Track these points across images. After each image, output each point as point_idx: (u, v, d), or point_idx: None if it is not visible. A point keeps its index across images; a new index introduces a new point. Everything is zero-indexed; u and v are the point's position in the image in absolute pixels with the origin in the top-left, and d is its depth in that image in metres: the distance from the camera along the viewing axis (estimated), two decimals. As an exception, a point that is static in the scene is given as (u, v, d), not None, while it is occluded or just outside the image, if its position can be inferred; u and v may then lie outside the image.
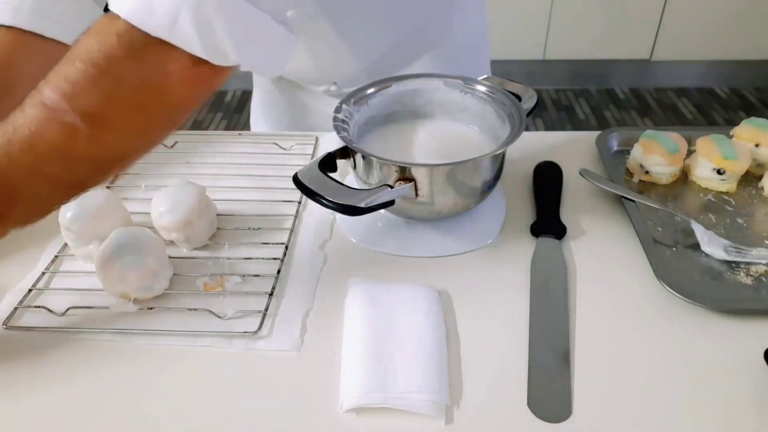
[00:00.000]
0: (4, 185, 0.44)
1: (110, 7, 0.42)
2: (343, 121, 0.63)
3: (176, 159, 0.78)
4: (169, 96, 0.44)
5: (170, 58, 0.42)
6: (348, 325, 0.53)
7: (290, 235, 0.65)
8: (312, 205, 0.68)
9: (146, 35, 0.41)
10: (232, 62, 0.44)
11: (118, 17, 0.41)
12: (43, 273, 0.61)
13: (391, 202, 0.57)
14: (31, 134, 0.42)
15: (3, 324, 0.55)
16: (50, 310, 0.56)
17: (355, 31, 0.75)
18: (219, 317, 0.55)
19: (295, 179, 0.57)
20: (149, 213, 0.62)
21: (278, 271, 0.60)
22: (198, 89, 0.45)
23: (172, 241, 0.63)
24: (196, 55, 0.43)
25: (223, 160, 0.78)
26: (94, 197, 0.61)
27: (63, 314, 0.56)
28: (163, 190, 0.62)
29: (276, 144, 0.80)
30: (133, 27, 0.41)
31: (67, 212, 0.60)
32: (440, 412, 0.46)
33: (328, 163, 0.60)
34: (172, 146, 0.80)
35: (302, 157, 0.78)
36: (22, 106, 0.43)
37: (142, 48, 0.42)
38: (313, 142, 0.81)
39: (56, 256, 0.63)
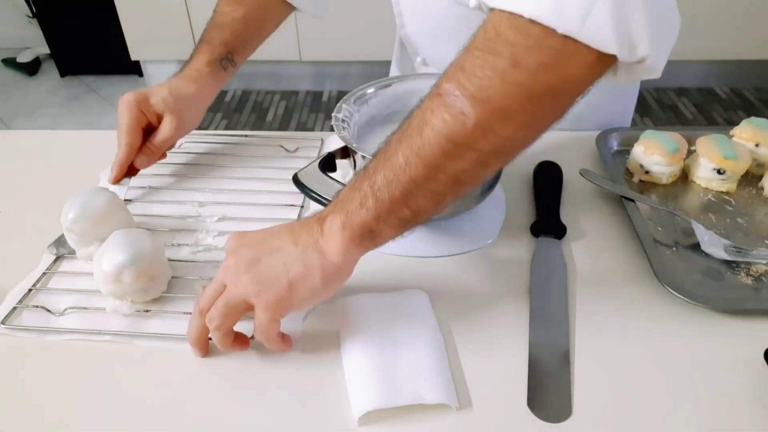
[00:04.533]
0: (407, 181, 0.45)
1: (509, 7, 0.40)
2: (343, 120, 0.63)
3: (181, 159, 0.78)
4: (564, 88, 0.42)
5: (573, 53, 0.40)
6: (344, 342, 0.52)
7: None
8: (314, 207, 0.68)
9: (552, 32, 0.39)
10: (640, 56, 0.41)
11: (518, 16, 0.40)
12: (44, 273, 0.60)
13: (391, 202, 0.57)
14: (423, 122, 0.43)
15: (2, 322, 0.55)
16: (48, 310, 0.56)
17: None
18: None
19: (295, 179, 0.57)
20: (151, 215, 0.62)
21: None
22: (591, 83, 0.43)
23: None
24: (604, 51, 0.40)
25: (228, 162, 0.78)
26: (97, 198, 0.61)
27: (61, 314, 0.56)
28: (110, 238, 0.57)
29: (281, 146, 0.80)
30: (537, 24, 0.39)
31: (69, 213, 0.59)
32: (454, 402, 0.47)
33: (328, 163, 0.60)
34: (179, 147, 0.80)
35: (307, 160, 0.78)
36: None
37: (548, 45, 0.40)
38: (319, 144, 0.81)
39: (58, 257, 0.63)
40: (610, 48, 0.40)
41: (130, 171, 0.71)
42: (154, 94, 0.71)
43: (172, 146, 0.75)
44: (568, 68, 0.41)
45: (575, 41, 0.39)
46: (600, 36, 0.40)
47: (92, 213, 0.59)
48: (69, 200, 0.61)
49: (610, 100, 0.85)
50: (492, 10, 0.42)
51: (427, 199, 0.46)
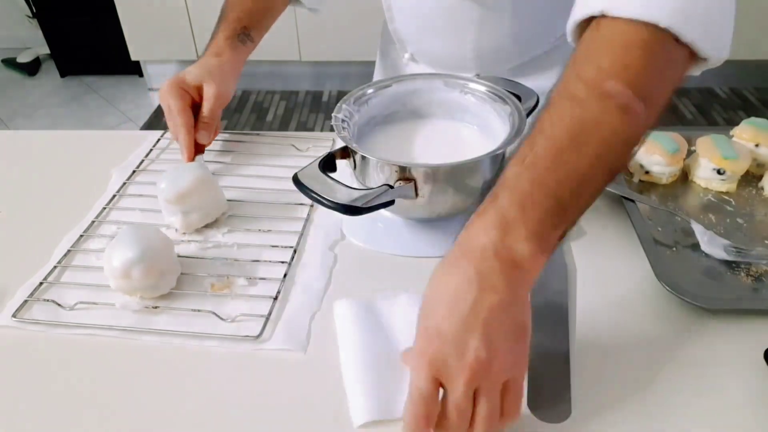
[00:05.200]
0: (576, 176, 0.43)
1: (641, 15, 0.43)
2: (343, 120, 0.63)
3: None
4: (683, 75, 0.47)
5: (687, 56, 0.46)
6: (343, 346, 0.52)
7: (299, 238, 0.65)
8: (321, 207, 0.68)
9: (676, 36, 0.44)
10: (723, 59, 0.47)
11: (653, 25, 0.43)
12: (55, 267, 0.61)
13: (391, 202, 0.57)
14: (597, 125, 0.43)
15: (12, 315, 0.55)
16: (59, 304, 0.56)
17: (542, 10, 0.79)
18: (223, 320, 0.55)
19: (295, 179, 0.57)
20: (159, 211, 0.63)
21: (284, 276, 0.60)
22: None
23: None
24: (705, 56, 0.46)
25: (238, 160, 0.78)
26: (187, 171, 0.64)
27: (71, 309, 0.56)
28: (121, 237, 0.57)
29: (293, 146, 0.80)
30: (670, 33, 0.43)
31: (161, 182, 0.63)
32: None
33: (328, 163, 0.60)
34: None
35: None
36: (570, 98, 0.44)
37: (679, 49, 0.44)
38: (330, 144, 0.81)
39: (69, 251, 0.63)
40: (709, 54, 0.45)
41: (197, 149, 0.74)
42: (187, 73, 0.74)
43: (219, 120, 0.77)
44: (684, 70, 0.47)
45: (691, 47, 0.44)
46: (711, 47, 0.45)
47: (179, 184, 0.62)
48: (166, 171, 0.65)
49: None
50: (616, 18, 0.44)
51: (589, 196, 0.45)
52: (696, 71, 0.49)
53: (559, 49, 0.83)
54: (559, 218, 0.42)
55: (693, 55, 0.45)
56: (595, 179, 0.44)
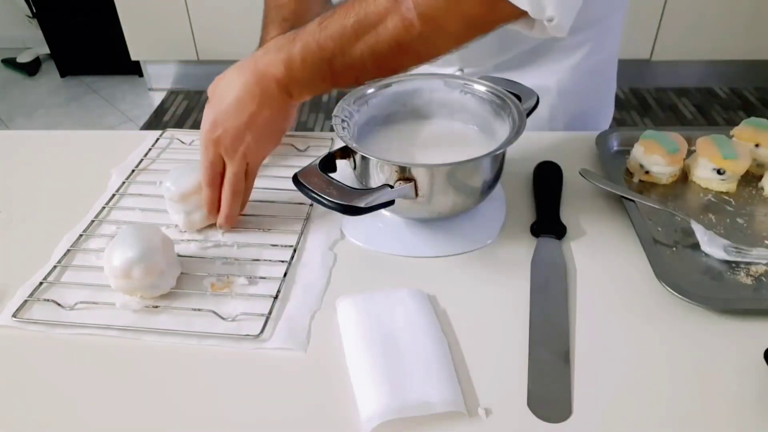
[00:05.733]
0: (343, 55, 0.59)
1: None
2: (343, 120, 0.63)
3: (194, 155, 0.78)
4: (490, 22, 0.58)
5: (502, 2, 0.55)
6: (348, 345, 0.52)
7: (299, 237, 0.65)
8: (321, 207, 0.68)
9: None
10: (548, 16, 0.55)
11: None
12: (55, 266, 0.61)
13: (391, 202, 0.57)
14: (378, 20, 0.57)
15: (12, 315, 0.55)
16: (59, 304, 0.56)
17: None
18: (223, 319, 0.55)
19: (295, 179, 0.57)
20: (161, 210, 0.64)
21: (284, 275, 0.60)
22: (506, 23, 0.59)
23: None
24: (520, 8, 0.54)
25: None
26: (190, 171, 0.65)
27: (71, 309, 0.56)
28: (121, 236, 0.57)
29: (293, 146, 0.80)
30: None
31: (166, 181, 0.64)
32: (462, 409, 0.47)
33: (328, 163, 0.60)
34: (189, 144, 0.81)
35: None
36: None
37: None
38: (329, 143, 0.81)
39: (69, 250, 0.63)
40: (522, 5, 0.54)
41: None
42: None
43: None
44: (497, 12, 0.56)
45: None
46: None
47: (184, 184, 0.63)
48: (171, 170, 0.66)
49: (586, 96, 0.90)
50: None
51: (354, 71, 0.62)
52: (540, 32, 0.57)
53: (545, 47, 0.83)
54: (325, 73, 0.61)
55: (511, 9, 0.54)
56: (360, 56, 0.59)
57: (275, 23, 0.79)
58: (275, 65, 0.61)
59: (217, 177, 0.63)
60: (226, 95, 0.62)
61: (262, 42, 0.78)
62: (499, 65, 0.84)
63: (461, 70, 0.85)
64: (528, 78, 0.81)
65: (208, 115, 0.62)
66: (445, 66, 0.84)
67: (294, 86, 0.62)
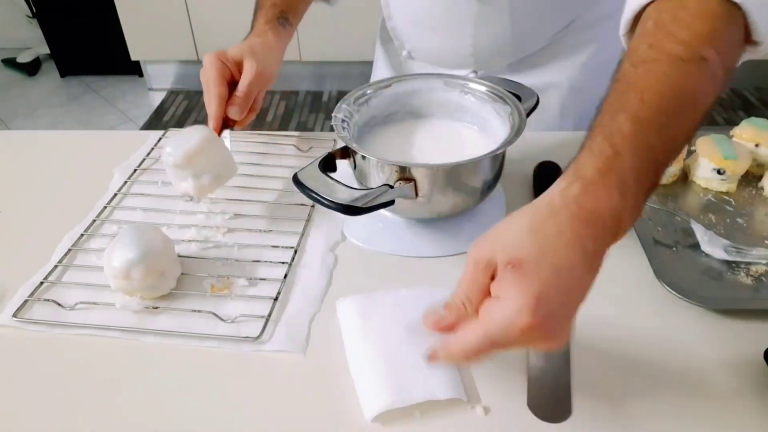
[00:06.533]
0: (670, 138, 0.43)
1: None
2: (343, 120, 0.63)
3: None
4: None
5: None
6: (349, 342, 0.52)
7: (300, 238, 0.65)
8: (321, 207, 0.68)
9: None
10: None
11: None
12: (56, 266, 0.61)
13: (391, 202, 0.57)
14: (695, 89, 0.43)
15: (13, 315, 0.55)
16: (59, 304, 0.56)
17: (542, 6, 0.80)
18: (223, 320, 0.55)
19: (295, 179, 0.57)
20: (161, 210, 0.63)
21: (285, 276, 0.60)
22: None
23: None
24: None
25: (240, 160, 0.77)
26: (193, 133, 0.63)
27: (71, 309, 0.56)
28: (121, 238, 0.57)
29: (294, 146, 0.80)
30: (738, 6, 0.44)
31: (166, 146, 0.62)
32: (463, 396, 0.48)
33: (328, 163, 0.60)
34: None
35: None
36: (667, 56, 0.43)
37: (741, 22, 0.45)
38: (331, 144, 0.81)
39: (70, 250, 0.63)
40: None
41: (228, 123, 0.71)
42: (231, 48, 0.72)
43: (259, 100, 0.75)
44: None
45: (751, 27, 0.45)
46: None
47: (186, 146, 0.61)
48: (170, 137, 0.63)
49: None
50: None
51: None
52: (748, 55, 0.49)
53: (556, 45, 0.83)
54: (650, 185, 0.42)
55: (746, 39, 0.46)
56: (681, 146, 0.45)
57: (264, 9, 0.78)
58: (607, 197, 0.40)
59: None
60: (560, 263, 0.40)
61: (252, 27, 0.77)
62: (512, 66, 0.84)
63: (475, 72, 0.85)
64: (539, 76, 0.82)
65: (532, 284, 0.39)
66: (459, 69, 0.84)
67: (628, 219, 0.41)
